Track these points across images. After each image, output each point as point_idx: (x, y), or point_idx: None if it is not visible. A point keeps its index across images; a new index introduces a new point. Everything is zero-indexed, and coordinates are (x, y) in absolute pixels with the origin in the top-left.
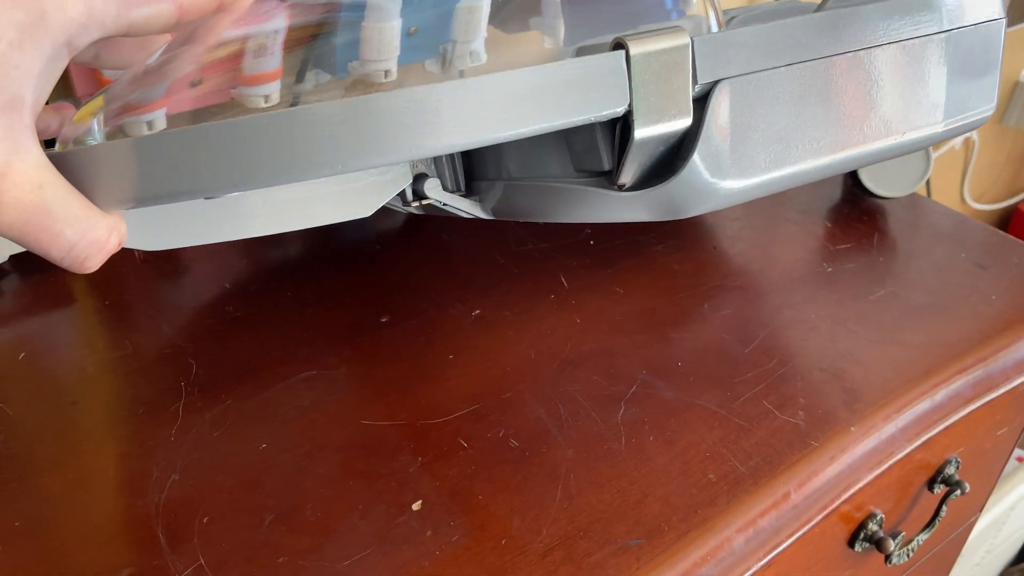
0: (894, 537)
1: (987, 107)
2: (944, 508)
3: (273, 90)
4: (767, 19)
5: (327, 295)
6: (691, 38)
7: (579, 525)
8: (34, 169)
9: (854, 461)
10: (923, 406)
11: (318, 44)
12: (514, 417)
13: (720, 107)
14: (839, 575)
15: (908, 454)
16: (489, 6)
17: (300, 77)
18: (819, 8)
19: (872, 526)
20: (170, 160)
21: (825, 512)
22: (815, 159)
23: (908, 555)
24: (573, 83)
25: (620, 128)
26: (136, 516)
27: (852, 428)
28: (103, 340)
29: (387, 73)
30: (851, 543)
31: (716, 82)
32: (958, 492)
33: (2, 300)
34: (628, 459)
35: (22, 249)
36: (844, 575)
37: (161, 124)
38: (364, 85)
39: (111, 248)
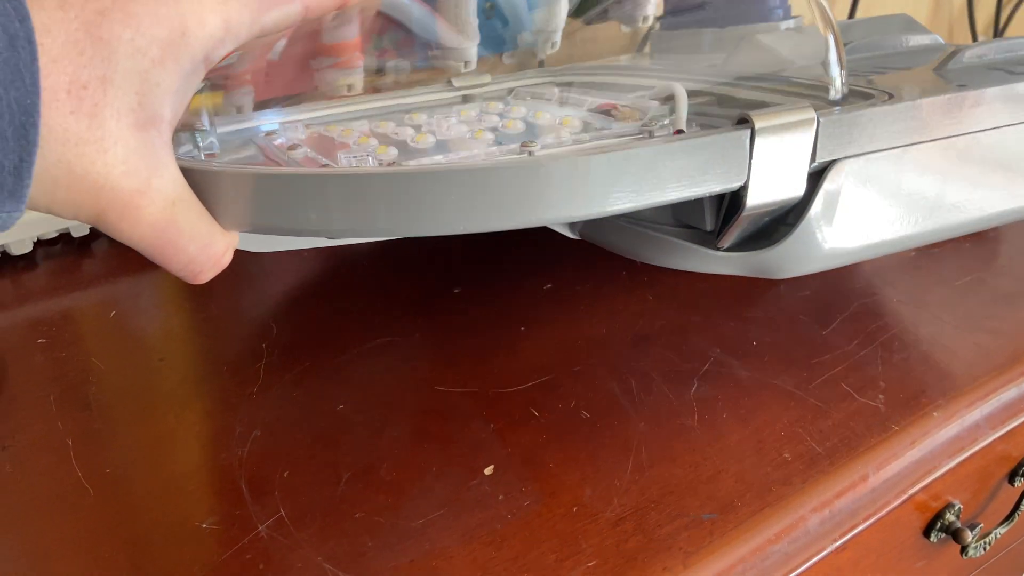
0: (971, 528)
1: None
2: None
3: (356, 79)
4: (884, 46)
5: (401, 265)
6: (817, 118)
7: (650, 497)
8: (170, 185)
9: (936, 447)
10: (1010, 394)
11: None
12: (585, 389)
13: (833, 185)
14: (912, 565)
15: (990, 444)
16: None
17: (380, 68)
18: (940, 66)
19: (949, 516)
20: (295, 201)
21: (903, 497)
22: (919, 230)
23: (985, 548)
24: (693, 160)
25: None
26: (220, 468)
27: (935, 413)
28: (188, 302)
29: (467, 64)
30: (927, 533)
31: (833, 160)
32: None
33: (93, 262)
34: (701, 435)
35: None
36: (917, 565)
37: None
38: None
39: (224, 263)
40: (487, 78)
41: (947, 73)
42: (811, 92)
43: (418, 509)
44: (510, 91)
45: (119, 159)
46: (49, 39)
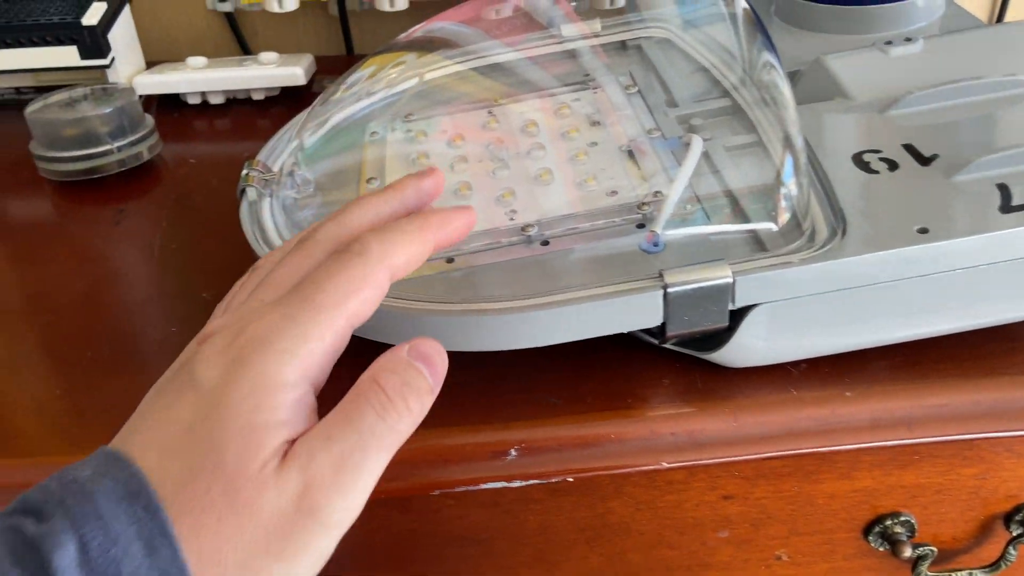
0: (917, 547)
1: None
2: (1012, 551)
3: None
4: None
5: None
6: (733, 277)
7: (519, 372)
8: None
9: (836, 423)
10: (944, 404)
11: None
12: None
13: (755, 320)
14: (855, 562)
15: (953, 467)
16: None
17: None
18: (951, 172)
19: (894, 526)
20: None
21: (782, 452)
22: (847, 345)
23: None
24: (617, 310)
25: None
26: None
27: (847, 393)
28: None
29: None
30: (866, 533)
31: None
32: None
33: (264, 121)
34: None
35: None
36: (864, 574)
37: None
38: None
39: None
40: (597, 26)
41: (958, 184)
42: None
43: None
44: (623, 44)
45: None
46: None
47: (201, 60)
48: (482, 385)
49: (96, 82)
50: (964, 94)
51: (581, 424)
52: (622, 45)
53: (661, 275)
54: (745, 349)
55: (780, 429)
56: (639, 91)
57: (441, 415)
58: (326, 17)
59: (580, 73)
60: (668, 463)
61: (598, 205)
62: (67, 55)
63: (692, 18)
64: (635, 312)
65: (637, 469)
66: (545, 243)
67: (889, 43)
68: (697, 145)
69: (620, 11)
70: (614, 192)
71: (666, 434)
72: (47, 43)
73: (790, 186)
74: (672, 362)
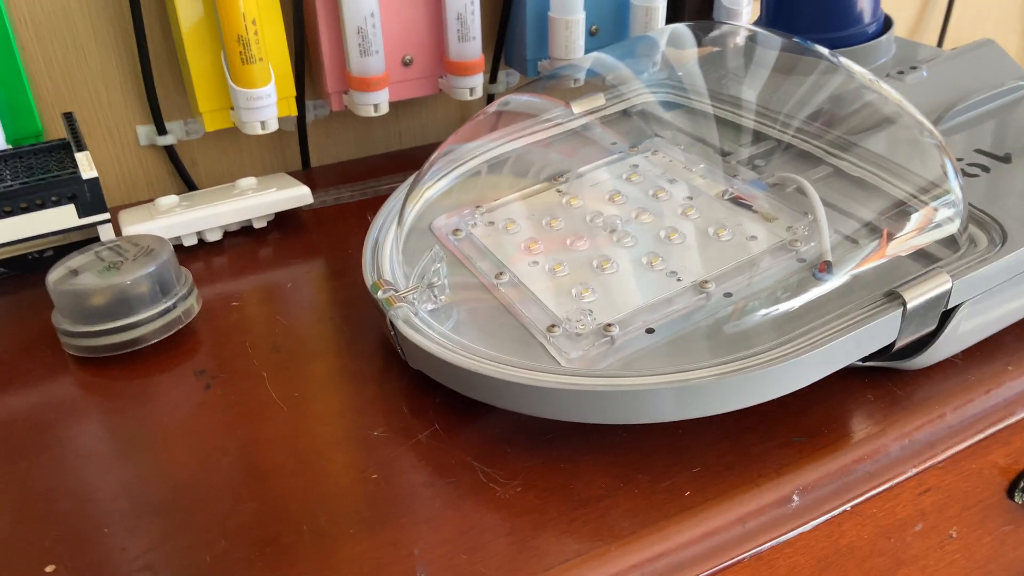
0: None
1: None
2: None
3: (476, 83)
4: (977, 100)
5: None
6: (952, 283)
7: (746, 425)
8: None
9: (1010, 396)
10: None
11: None
12: None
13: (960, 317)
14: (998, 527)
15: None
16: None
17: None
18: None
19: None
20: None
21: (980, 436)
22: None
23: None
24: (859, 339)
25: None
26: (385, 395)
27: (1009, 368)
28: (340, 281)
29: (576, 81)
30: (1011, 493)
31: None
32: None
33: (269, 249)
34: None
35: (282, 210)
36: (1004, 528)
37: None
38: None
39: None
40: (601, 99)
41: None
42: (930, 200)
43: (547, 425)
44: (624, 112)
45: None
46: None
47: (172, 199)
48: (729, 443)
49: (85, 241)
50: (988, 102)
51: (835, 454)
52: (624, 113)
53: (896, 294)
54: (940, 348)
55: (982, 411)
56: (683, 147)
57: (706, 481)
58: (267, 136)
59: (608, 142)
60: (915, 468)
61: (753, 251)
62: (63, 216)
63: (685, 79)
64: (875, 335)
65: (902, 478)
66: (728, 295)
67: (901, 72)
68: (805, 182)
69: (582, 89)
70: (753, 237)
71: (904, 442)
72: (39, 207)
73: (956, 191)
74: (861, 379)
